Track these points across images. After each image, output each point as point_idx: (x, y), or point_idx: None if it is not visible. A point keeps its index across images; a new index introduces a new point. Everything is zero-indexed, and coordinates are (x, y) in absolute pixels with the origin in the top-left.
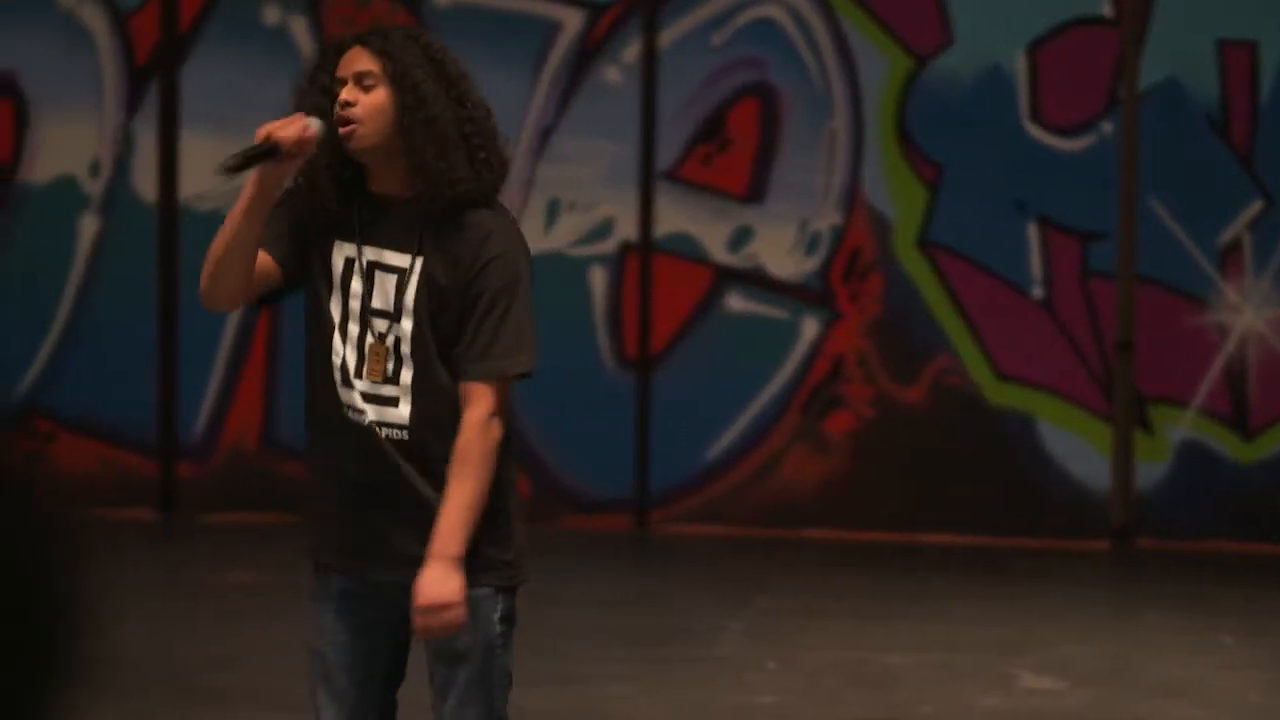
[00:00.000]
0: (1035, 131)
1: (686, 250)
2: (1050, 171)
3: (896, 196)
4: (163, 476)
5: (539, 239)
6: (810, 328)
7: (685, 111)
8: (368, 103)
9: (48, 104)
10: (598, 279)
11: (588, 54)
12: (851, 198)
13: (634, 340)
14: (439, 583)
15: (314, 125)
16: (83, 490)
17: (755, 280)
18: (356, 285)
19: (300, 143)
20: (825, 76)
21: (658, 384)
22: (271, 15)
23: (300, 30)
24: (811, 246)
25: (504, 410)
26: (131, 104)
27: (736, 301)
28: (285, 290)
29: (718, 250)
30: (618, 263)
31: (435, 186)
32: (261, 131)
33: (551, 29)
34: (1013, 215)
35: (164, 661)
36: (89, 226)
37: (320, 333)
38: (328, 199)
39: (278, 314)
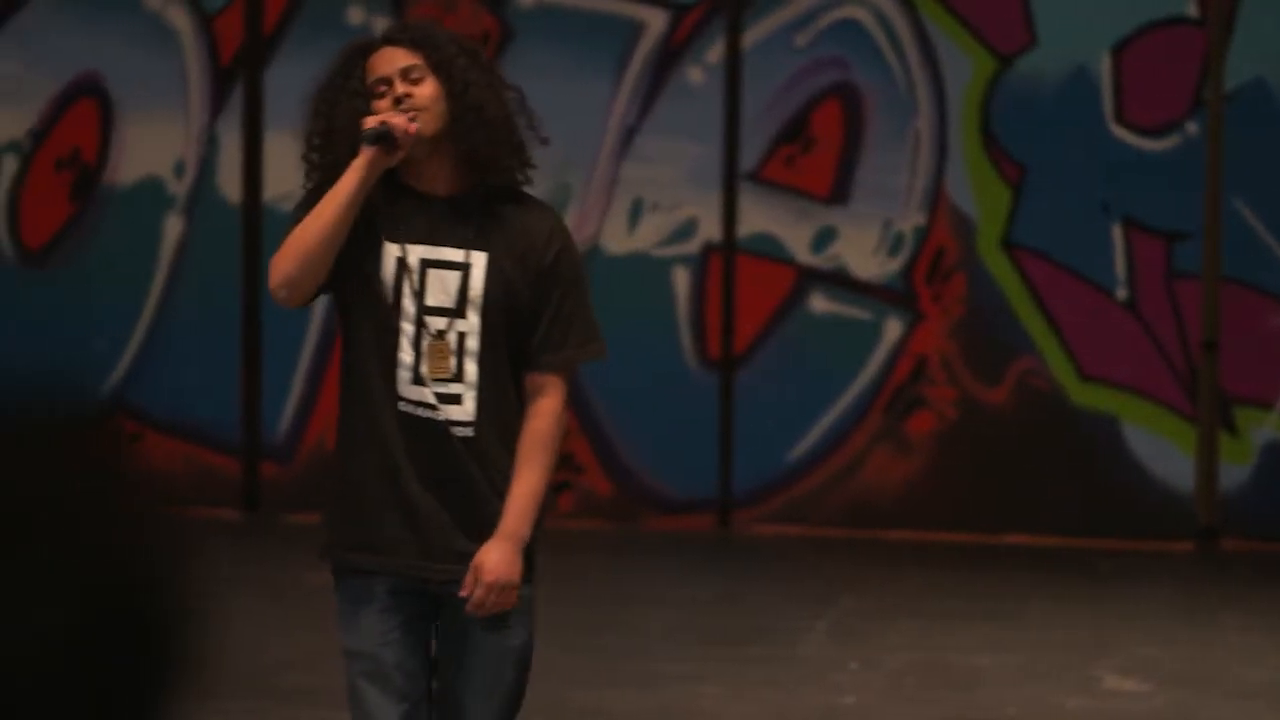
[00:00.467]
0: (1120, 132)
1: (770, 251)
2: (1135, 172)
3: (980, 197)
4: (246, 476)
5: (622, 239)
6: (893, 329)
7: (769, 112)
8: (421, 94)
9: (133, 105)
10: (681, 280)
11: (671, 54)
12: (935, 198)
13: (717, 341)
14: (507, 563)
15: (415, 123)
16: (167, 490)
17: (838, 281)
18: (409, 284)
19: (406, 134)
20: (909, 77)
21: (741, 385)
22: (355, 15)
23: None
24: (895, 247)
25: (569, 399)
26: (216, 105)
27: (820, 302)
28: (320, 292)
29: (801, 251)
30: (701, 263)
31: (488, 175)
32: (373, 120)
33: (635, 30)
34: (1097, 216)
35: (245, 661)
36: (174, 227)
37: (372, 333)
38: (377, 197)
39: None
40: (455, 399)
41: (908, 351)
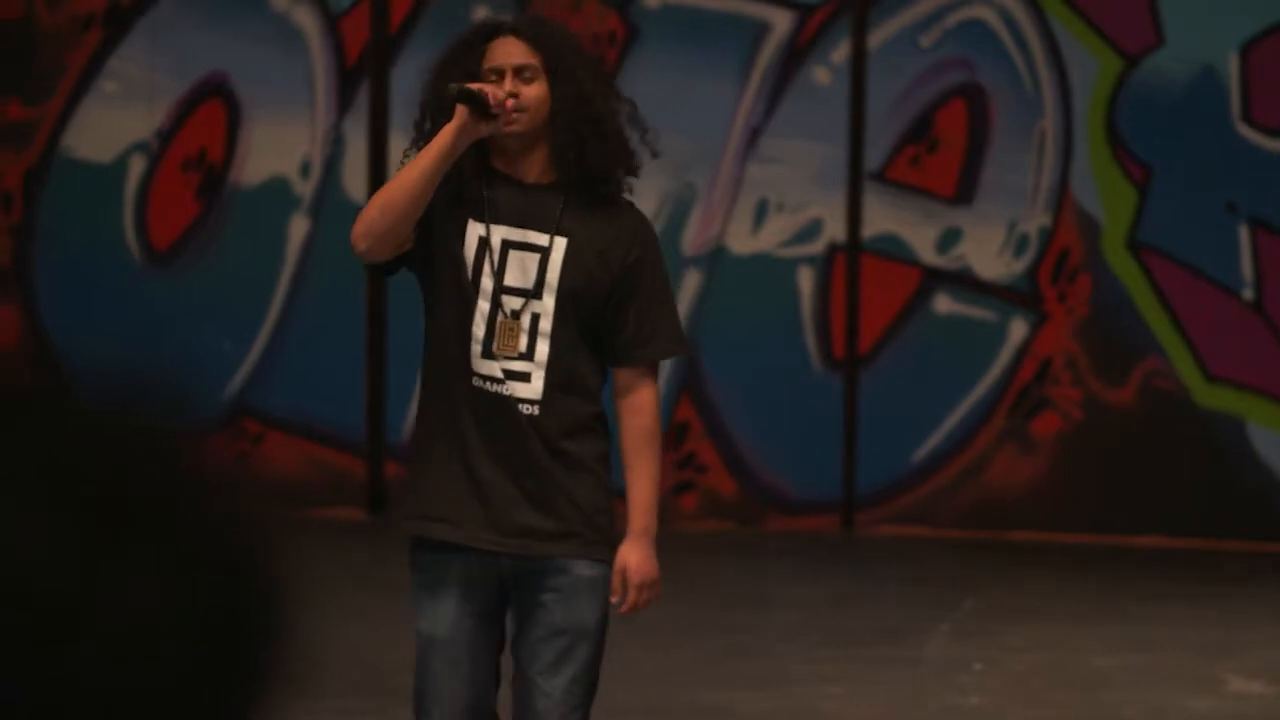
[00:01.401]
0: (1247, 132)
1: (894, 251)
2: (1263, 172)
3: (1106, 197)
4: (371, 477)
5: (747, 239)
6: (1018, 329)
7: (894, 112)
8: (530, 95)
9: (259, 105)
10: (805, 280)
11: (797, 55)
12: (1060, 199)
13: (841, 341)
14: (649, 560)
15: (514, 109)
16: (291, 490)
17: (963, 281)
18: (490, 263)
19: (502, 106)
20: (1035, 77)
21: (865, 385)
22: (481, 14)
23: None
24: (1020, 248)
25: None
26: (342, 105)
27: (944, 303)
28: (403, 263)
29: (926, 251)
30: (826, 264)
31: (585, 177)
32: (473, 85)
33: (761, 30)
34: (1223, 216)
35: (366, 661)
36: (299, 228)
37: (451, 308)
38: (470, 177)
39: None
40: (524, 377)
41: (1032, 352)
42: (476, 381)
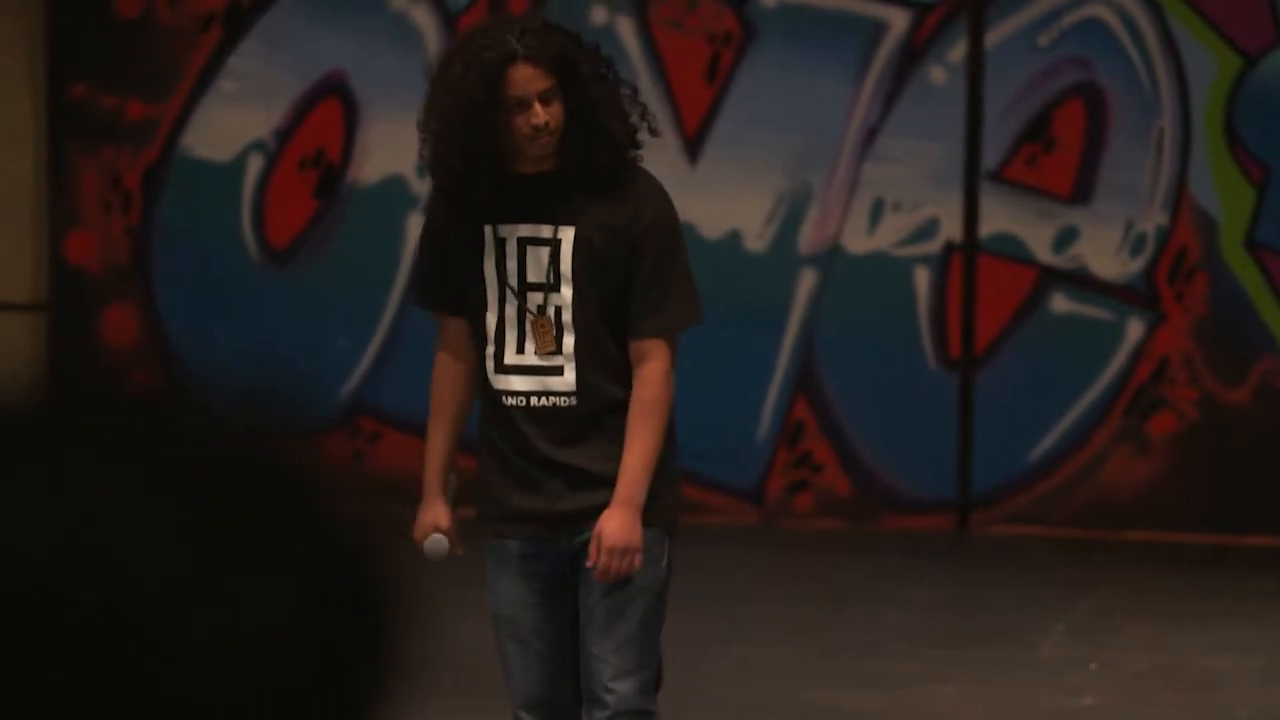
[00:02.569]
0: None
1: (1011, 251)
2: None
3: (1223, 196)
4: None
5: (863, 239)
6: (1135, 329)
7: (1011, 112)
8: (555, 114)
9: (377, 104)
10: (922, 279)
11: (914, 54)
12: (1178, 198)
13: (957, 341)
14: (626, 529)
15: (429, 551)
16: (407, 489)
17: (1080, 281)
18: (510, 264)
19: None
20: (1153, 76)
21: (981, 384)
22: (599, 15)
23: (627, 30)
24: (1137, 247)
25: (674, 363)
26: None
27: (1060, 302)
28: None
29: (1042, 251)
30: (942, 263)
31: (581, 165)
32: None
33: (878, 29)
34: None
35: (477, 658)
36: (416, 226)
37: (483, 313)
38: (485, 190)
39: None
40: (557, 370)
41: (1149, 352)
42: (512, 383)
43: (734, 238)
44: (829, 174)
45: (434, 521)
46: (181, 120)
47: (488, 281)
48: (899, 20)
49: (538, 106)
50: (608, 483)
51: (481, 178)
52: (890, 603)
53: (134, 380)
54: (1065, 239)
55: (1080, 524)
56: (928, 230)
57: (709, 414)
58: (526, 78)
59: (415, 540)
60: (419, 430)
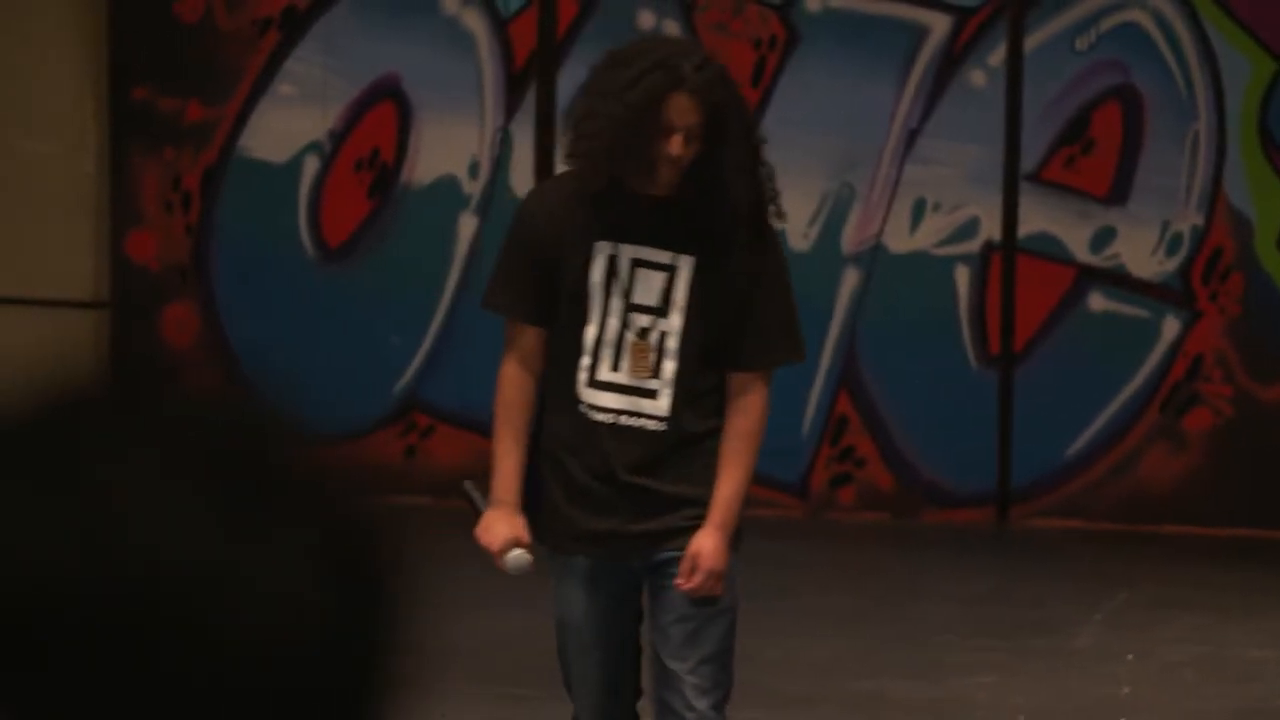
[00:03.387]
0: None
1: (1049, 250)
2: None
3: (1258, 198)
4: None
5: (904, 238)
6: (1170, 327)
7: (1049, 114)
8: (688, 153)
9: (430, 106)
10: (962, 278)
11: (954, 58)
12: (1213, 199)
13: (997, 338)
14: (720, 553)
15: (512, 566)
16: (460, 482)
17: (1116, 280)
18: (620, 282)
19: (493, 555)
20: (1188, 79)
21: (1020, 381)
22: (646, 20)
23: (674, 33)
24: (1173, 247)
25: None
26: (510, 107)
27: (1098, 301)
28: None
29: (1080, 250)
30: (982, 262)
31: (701, 201)
32: (483, 539)
33: (919, 33)
34: None
35: (543, 650)
36: (467, 226)
37: (579, 327)
38: (601, 197)
39: None
40: (651, 394)
41: (1185, 350)
42: (602, 399)
43: (779, 236)
44: (871, 175)
45: (515, 535)
46: (240, 122)
47: (592, 296)
48: (940, 24)
49: (679, 138)
50: (679, 506)
51: (612, 188)
52: (932, 595)
53: (190, 376)
54: (1102, 239)
55: (1117, 518)
56: (968, 230)
57: None
58: (683, 108)
59: (494, 553)
60: (471, 425)
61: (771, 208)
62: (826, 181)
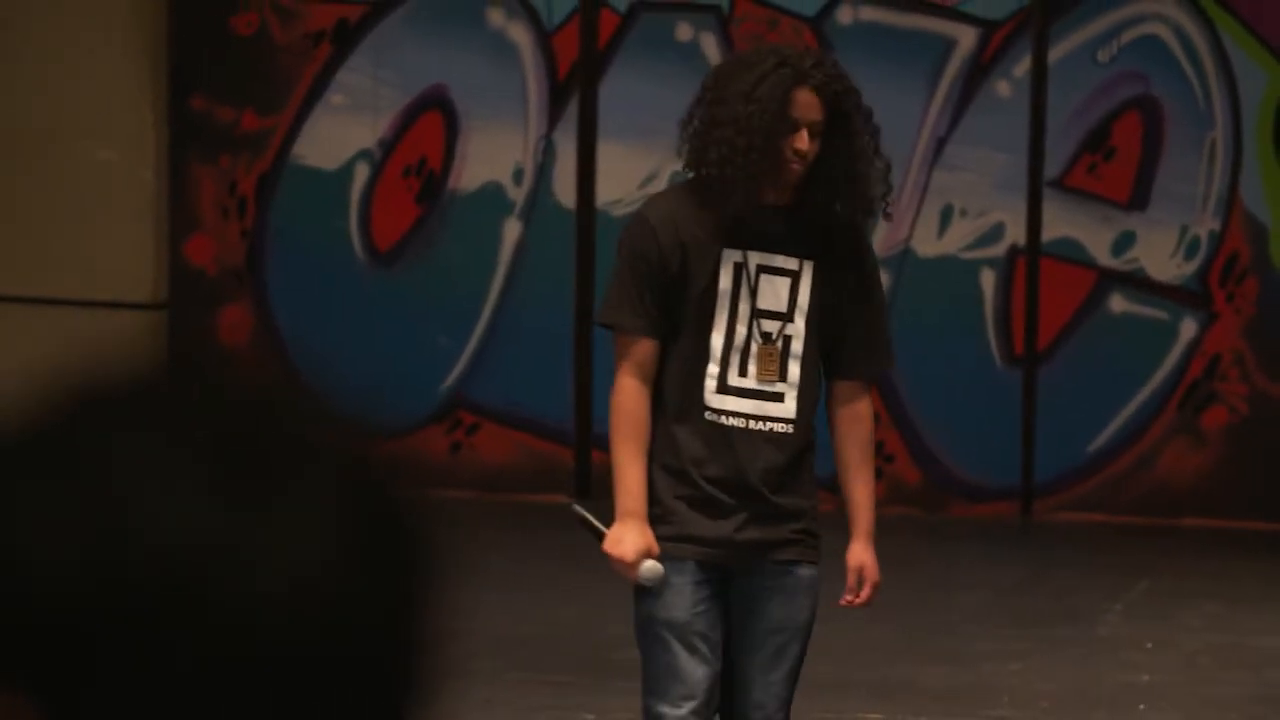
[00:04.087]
0: None
1: (1072, 254)
2: None
3: (1273, 204)
4: (578, 464)
5: (932, 243)
6: (1188, 328)
7: (1072, 123)
8: (812, 150)
9: (476, 116)
10: (988, 281)
11: (981, 69)
12: (1229, 205)
13: (1021, 339)
14: (876, 561)
15: (646, 577)
16: (504, 477)
17: (1137, 283)
18: (746, 288)
19: (623, 569)
20: (1206, 90)
21: (1043, 380)
22: (684, 32)
23: (710, 46)
24: (1191, 251)
25: None
26: (553, 116)
27: (1118, 303)
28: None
29: (1102, 254)
30: (1007, 266)
31: (822, 206)
32: (614, 551)
33: (947, 45)
34: None
35: (581, 638)
36: (512, 231)
37: (704, 333)
38: (731, 208)
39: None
40: (779, 397)
41: (1202, 350)
42: (732, 404)
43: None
44: (901, 181)
45: (648, 547)
46: (293, 131)
47: (721, 303)
48: (967, 37)
49: (805, 133)
50: (789, 518)
51: (742, 192)
52: (960, 585)
53: (245, 374)
54: (1123, 243)
55: (1137, 511)
56: (993, 234)
57: None
58: (808, 104)
59: (627, 564)
60: (515, 423)
61: (886, 201)
62: None
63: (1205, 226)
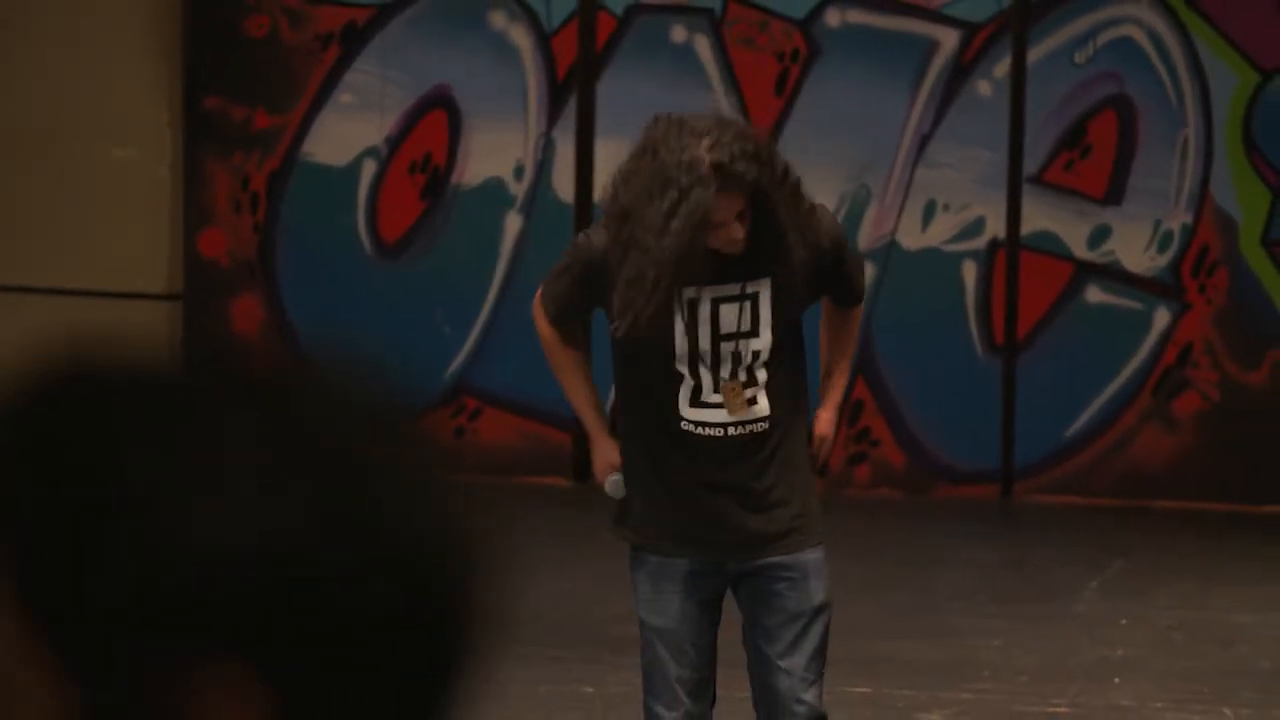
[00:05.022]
0: None
1: (1050, 247)
2: None
3: (1242, 199)
4: (576, 448)
5: (916, 236)
6: (1161, 318)
7: (1050, 121)
8: (745, 230)
9: (478, 114)
10: (969, 273)
11: (962, 69)
12: (1201, 200)
13: (1001, 328)
14: (833, 422)
15: (609, 491)
16: (504, 460)
17: (1112, 275)
18: (706, 318)
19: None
20: (1179, 90)
21: (1022, 368)
22: (678, 34)
23: (704, 47)
24: (1164, 244)
25: None
26: (552, 115)
27: (1094, 294)
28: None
29: (1078, 247)
30: (987, 258)
31: (777, 245)
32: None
33: (931, 46)
34: None
35: (580, 615)
36: (513, 224)
37: (664, 363)
38: (698, 269)
39: None
40: (752, 400)
41: (1174, 339)
42: (708, 415)
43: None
44: (886, 177)
45: (611, 461)
46: (303, 129)
47: (680, 333)
48: (949, 39)
49: (735, 225)
50: (782, 506)
51: (697, 261)
52: (942, 564)
53: (259, 362)
54: (1099, 236)
55: (1113, 493)
56: (974, 228)
57: None
58: (728, 205)
59: (597, 479)
60: (517, 408)
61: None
62: (844, 184)
63: (1177, 220)
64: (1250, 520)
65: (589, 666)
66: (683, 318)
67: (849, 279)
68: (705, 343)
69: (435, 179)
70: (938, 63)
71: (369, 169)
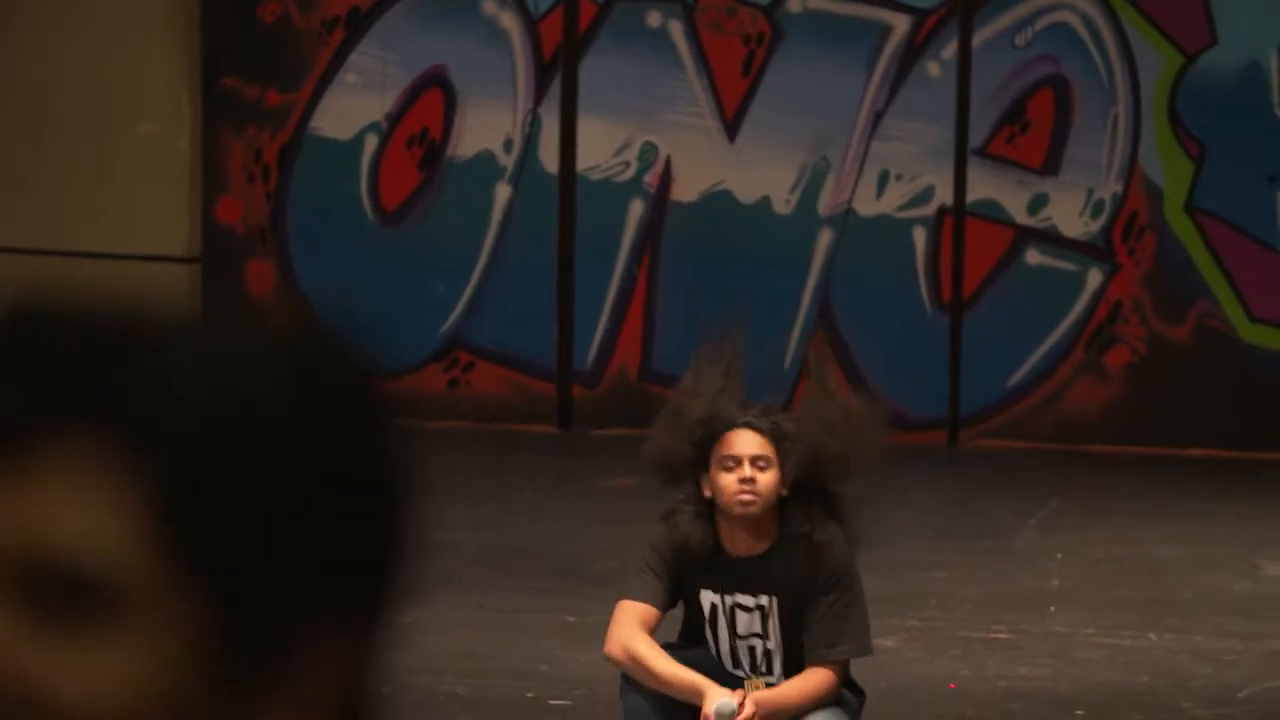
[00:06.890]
0: None
1: (993, 214)
2: None
3: (1167, 170)
4: (561, 398)
5: (871, 204)
6: (1094, 278)
7: (993, 99)
8: (764, 481)
9: (471, 93)
10: (919, 237)
11: (913, 51)
12: (1130, 170)
13: (948, 288)
14: (757, 705)
15: (721, 708)
16: (495, 409)
17: (1049, 239)
18: (724, 619)
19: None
20: (1110, 70)
21: (967, 324)
22: (654, 19)
23: (677, 31)
24: (1096, 211)
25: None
26: (539, 93)
27: (1033, 256)
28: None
29: (1019, 214)
30: (936, 224)
31: (794, 539)
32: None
33: (884, 30)
34: (1264, 186)
35: (562, 550)
36: (502, 194)
37: (699, 631)
38: (699, 560)
39: (655, 269)
40: (770, 685)
41: (1106, 297)
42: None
43: (765, 202)
44: (843, 150)
45: (716, 696)
46: (311, 106)
47: (705, 625)
48: (901, 23)
49: (747, 464)
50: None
51: (696, 546)
52: (894, 504)
53: (272, 320)
54: (1037, 204)
55: (1050, 438)
56: (924, 197)
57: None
58: (744, 440)
59: (707, 715)
60: (506, 361)
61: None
62: (805, 156)
63: (1109, 189)
64: (1175, 462)
65: (571, 598)
66: (709, 612)
67: (832, 623)
68: (725, 635)
69: (431, 152)
70: (891, 45)
71: (371, 143)
